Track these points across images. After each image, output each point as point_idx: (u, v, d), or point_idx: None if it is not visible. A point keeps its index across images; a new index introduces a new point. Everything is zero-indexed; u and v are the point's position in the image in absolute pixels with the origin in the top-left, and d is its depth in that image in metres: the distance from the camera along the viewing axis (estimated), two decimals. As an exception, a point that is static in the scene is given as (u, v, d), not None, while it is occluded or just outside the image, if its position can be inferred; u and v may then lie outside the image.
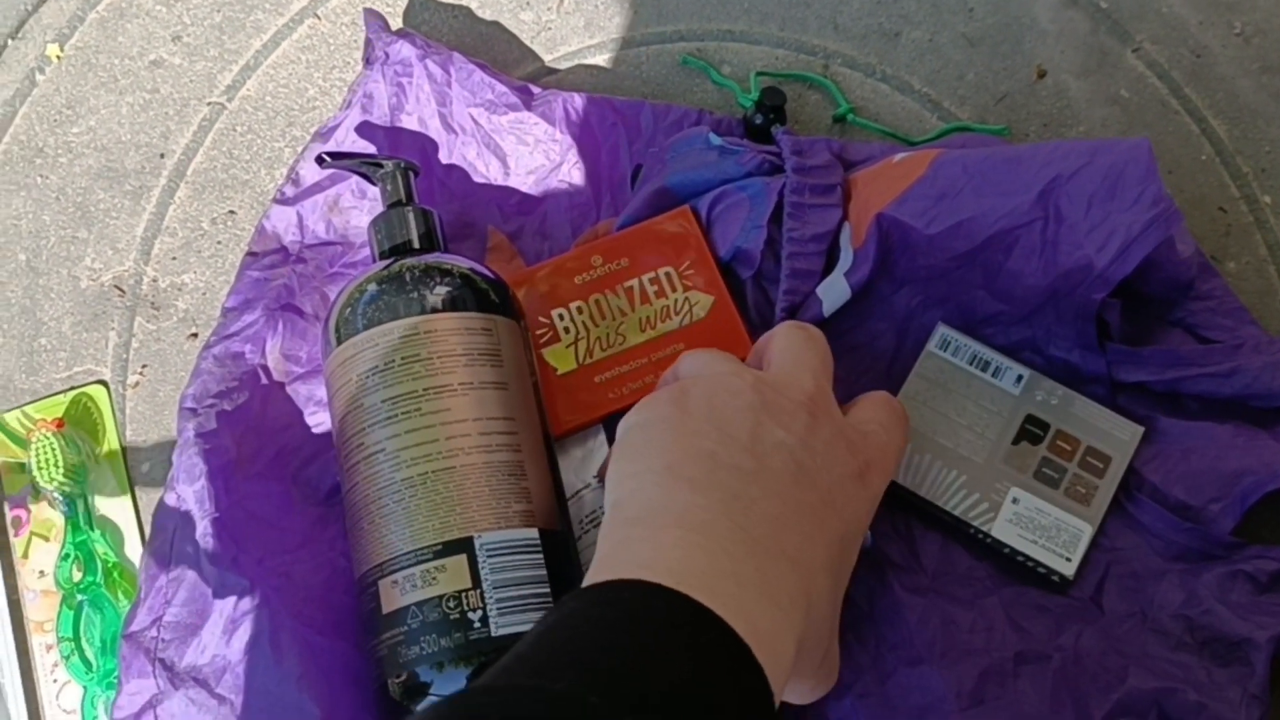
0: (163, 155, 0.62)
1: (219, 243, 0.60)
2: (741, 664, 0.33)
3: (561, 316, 0.56)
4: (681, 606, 0.33)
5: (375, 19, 0.60)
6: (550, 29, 0.64)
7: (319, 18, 0.64)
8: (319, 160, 0.55)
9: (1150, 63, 0.63)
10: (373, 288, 0.50)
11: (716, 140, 0.58)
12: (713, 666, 0.32)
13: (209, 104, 0.63)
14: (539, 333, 0.56)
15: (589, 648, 0.31)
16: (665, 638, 0.32)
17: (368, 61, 0.59)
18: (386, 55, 0.59)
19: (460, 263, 0.52)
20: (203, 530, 0.49)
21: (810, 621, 0.39)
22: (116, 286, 0.60)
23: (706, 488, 0.38)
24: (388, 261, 0.52)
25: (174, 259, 0.60)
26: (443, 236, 0.55)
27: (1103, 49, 0.63)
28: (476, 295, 0.51)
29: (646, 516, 0.38)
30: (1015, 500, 0.54)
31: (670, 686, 0.30)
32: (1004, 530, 0.53)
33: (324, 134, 0.58)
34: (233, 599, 0.48)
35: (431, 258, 0.52)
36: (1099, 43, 0.64)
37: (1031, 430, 0.55)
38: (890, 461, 0.47)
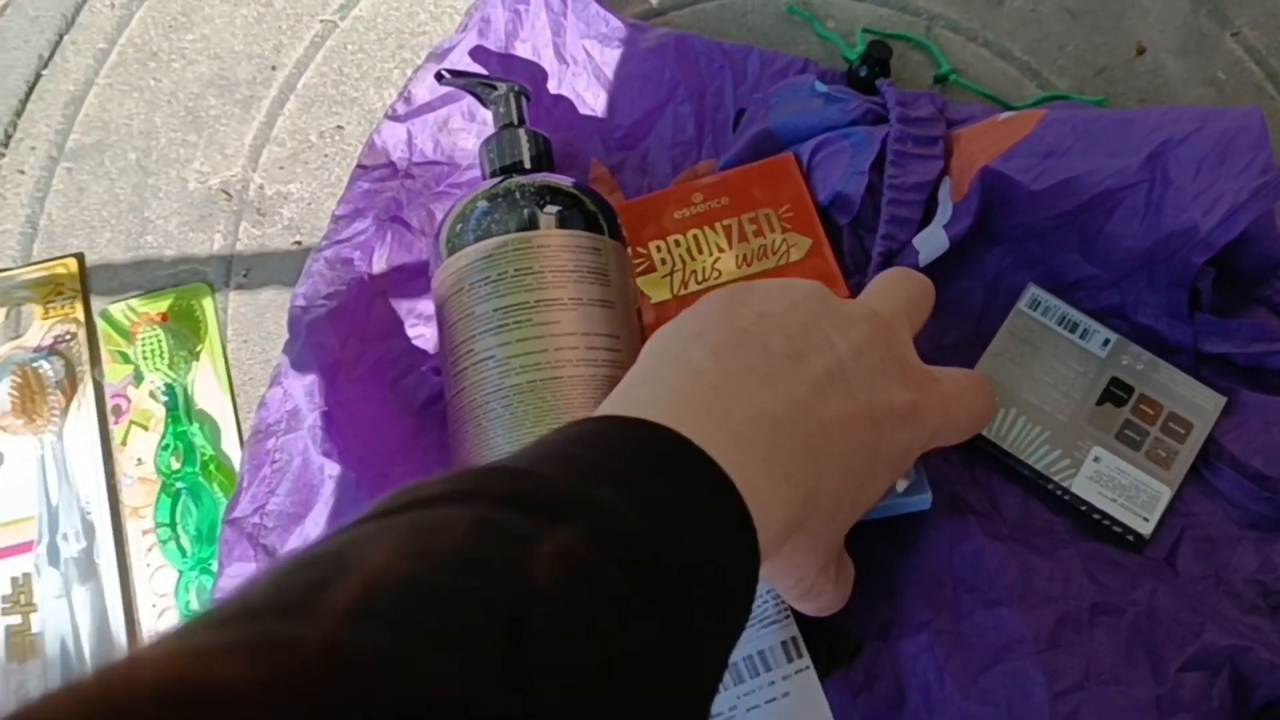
0: (274, 68, 0.63)
1: (326, 155, 0.62)
2: (743, 523, 0.32)
3: (659, 248, 0.57)
4: (687, 450, 0.31)
5: (495, -52, 0.61)
6: (660, -28, 0.65)
7: (433, -55, 0.65)
8: (438, 76, 0.56)
9: (1249, 47, 0.64)
10: (484, 203, 0.51)
11: (822, 88, 0.59)
12: (718, 521, 0.31)
13: (322, 21, 0.64)
14: (635, 262, 0.57)
15: (600, 460, 0.30)
16: (678, 476, 0.31)
17: (487, -13, 0.60)
18: (506, -18, 0.60)
19: (571, 184, 0.53)
20: (312, 422, 0.50)
21: (812, 511, 0.36)
22: (224, 191, 0.61)
23: (726, 357, 0.36)
24: (501, 178, 0.53)
25: (281, 169, 0.61)
26: (552, 160, 0.56)
27: (1202, 30, 0.64)
28: (586, 216, 0.52)
29: (658, 367, 0.37)
30: (1097, 459, 0.54)
31: (677, 522, 0.29)
32: (1084, 487, 0.54)
33: (439, 55, 0.59)
34: (337, 490, 0.49)
35: (542, 177, 0.53)
36: (1199, 24, 0.64)
37: (1116, 393, 0.55)
38: (953, 415, 0.44)
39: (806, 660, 0.49)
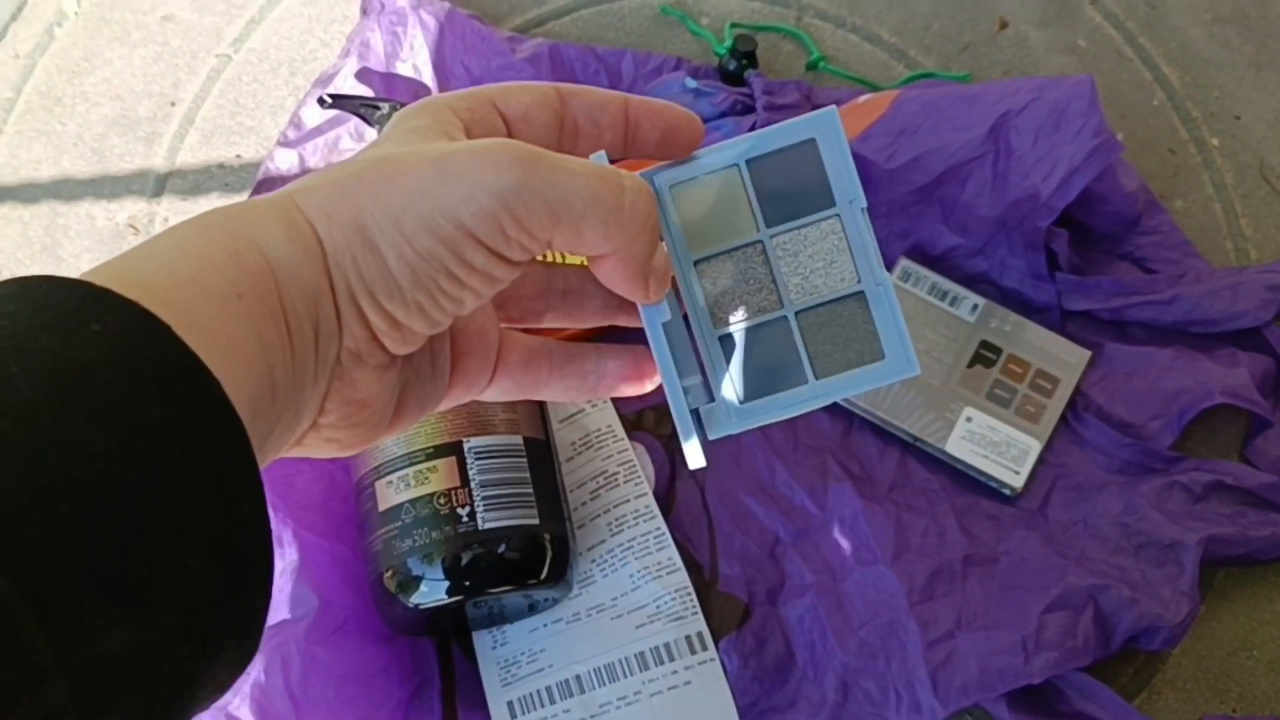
0: (173, 104, 0.66)
1: (226, 185, 0.64)
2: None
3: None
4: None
5: (372, -27, 0.64)
6: (538, -16, 0.68)
7: (320, -26, 0.68)
8: (320, 101, 0.59)
9: (1107, 13, 0.67)
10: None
11: (692, 84, 0.61)
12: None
13: (217, 55, 0.67)
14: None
15: None
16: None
17: (364, 12, 0.63)
18: (382, 5, 0.62)
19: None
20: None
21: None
22: (131, 225, 0.64)
23: None
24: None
25: (184, 199, 0.64)
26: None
27: (1061, 1, 0.67)
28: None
29: None
30: (969, 419, 0.57)
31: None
32: (957, 446, 0.57)
33: (324, 80, 0.62)
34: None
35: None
36: (1058, -5, 0.67)
37: (985, 355, 0.58)
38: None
39: (712, 653, 0.52)
